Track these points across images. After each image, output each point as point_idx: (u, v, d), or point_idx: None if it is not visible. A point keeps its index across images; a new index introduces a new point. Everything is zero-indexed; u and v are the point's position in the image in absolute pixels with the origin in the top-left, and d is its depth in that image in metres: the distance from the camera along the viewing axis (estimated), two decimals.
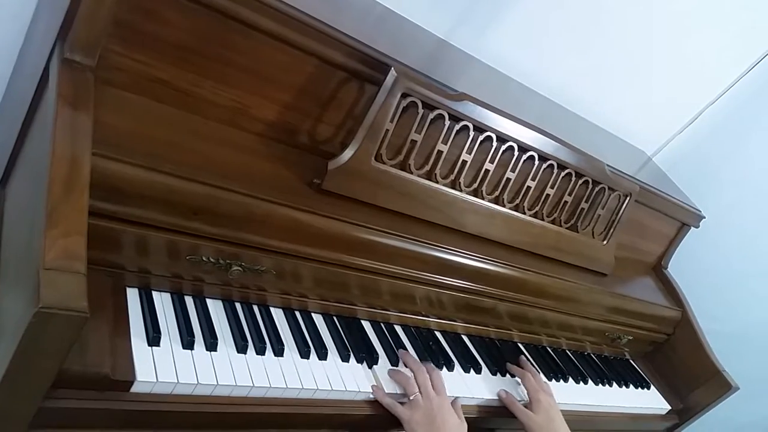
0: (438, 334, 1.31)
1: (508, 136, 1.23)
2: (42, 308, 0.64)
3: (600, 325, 1.58)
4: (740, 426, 2.21)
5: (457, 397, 1.15)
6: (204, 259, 0.95)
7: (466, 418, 1.12)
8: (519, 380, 1.30)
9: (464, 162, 1.22)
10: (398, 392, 1.09)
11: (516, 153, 1.27)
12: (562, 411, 1.35)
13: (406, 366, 1.14)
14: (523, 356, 1.38)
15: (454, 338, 1.33)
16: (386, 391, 1.07)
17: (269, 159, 1.06)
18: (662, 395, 1.69)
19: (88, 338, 0.79)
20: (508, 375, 1.32)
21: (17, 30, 1.19)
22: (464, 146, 1.20)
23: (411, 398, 1.06)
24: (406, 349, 1.19)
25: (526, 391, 1.27)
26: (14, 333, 0.67)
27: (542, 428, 1.19)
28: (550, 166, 1.33)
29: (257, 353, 0.98)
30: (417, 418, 1.03)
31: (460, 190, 1.24)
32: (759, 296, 2.22)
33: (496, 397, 1.25)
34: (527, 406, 1.23)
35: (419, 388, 1.08)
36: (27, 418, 0.75)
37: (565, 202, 1.40)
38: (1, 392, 0.70)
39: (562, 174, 1.35)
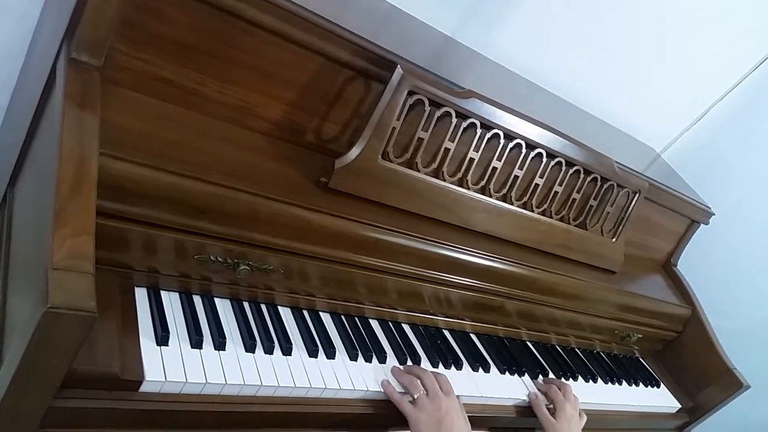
0: (446, 333, 1.30)
1: (516, 133, 1.23)
2: (50, 308, 0.64)
3: (609, 323, 1.57)
4: (751, 424, 2.18)
5: (458, 396, 1.13)
6: (212, 258, 0.95)
7: (473, 417, 1.12)
8: (547, 388, 1.30)
9: (471, 160, 1.21)
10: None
11: (524, 150, 1.26)
12: None
13: (411, 373, 1.11)
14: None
15: (462, 337, 1.32)
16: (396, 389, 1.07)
17: (275, 158, 1.06)
18: (672, 394, 1.67)
19: (97, 338, 0.79)
20: (516, 374, 1.31)
21: (25, 31, 1.20)
22: (471, 144, 1.20)
23: (416, 397, 1.05)
24: (414, 347, 1.19)
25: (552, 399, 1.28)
26: (23, 333, 0.67)
27: None
28: (558, 163, 1.32)
29: (265, 352, 0.98)
30: (423, 417, 1.01)
31: (468, 188, 1.23)
32: None
33: (505, 396, 1.24)
34: (551, 411, 1.25)
35: (426, 390, 1.06)
36: (36, 417, 0.75)
37: (574, 199, 1.39)
38: (11, 392, 0.70)
39: (571, 171, 1.34)
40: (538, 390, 1.30)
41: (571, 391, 1.30)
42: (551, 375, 1.38)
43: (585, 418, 1.29)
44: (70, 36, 0.86)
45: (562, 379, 1.36)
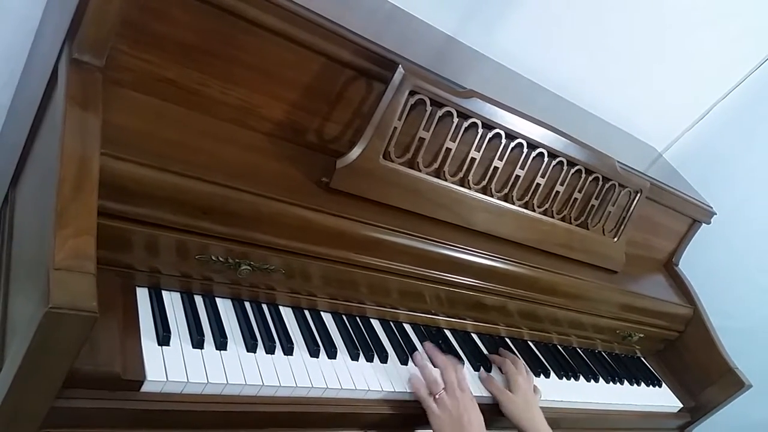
0: (447, 333, 1.30)
1: (517, 133, 1.23)
2: (52, 308, 0.64)
3: (611, 322, 1.57)
4: (753, 423, 2.18)
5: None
6: (213, 258, 0.95)
7: None
8: (501, 361, 1.27)
9: (473, 159, 1.21)
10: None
11: (525, 150, 1.26)
12: (573, 410, 1.35)
13: (432, 361, 1.14)
14: (501, 348, 1.34)
15: (463, 337, 1.32)
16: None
17: (277, 158, 1.06)
18: (674, 393, 1.67)
19: (99, 338, 0.79)
20: None
21: (27, 31, 1.20)
22: (473, 143, 1.20)
23: (437, 396, 1.07)
24: (415, 347, 1.19)
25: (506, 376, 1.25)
26: (25, 333, 0.67)
27: (520, 409, 1.17)
28: (560, 162, 1.32)
29: (267, 352, 0.98)
30: (445, 416, 1.04)
31: (469, 188, 1.23)
32: None
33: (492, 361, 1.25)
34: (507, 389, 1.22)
35: (446, 386, 1.08)
36: (38, 417, 0.75)
37: (575, 199, 1.39)
38: (13, 392, 0.70)
39: (572, 171, 1.34)
40: (494, 361, 1.29)
41: (523, 366, 1.28)
42: (552, 375, 1.38)
43: (540, 392, 1.26)
44: (72, 36, 0.86)
45: (522, 362, 1.32)
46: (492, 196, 1.26)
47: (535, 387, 1.26)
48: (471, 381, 1.21)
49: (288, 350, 1.00)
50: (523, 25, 1.66)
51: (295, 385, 0.96)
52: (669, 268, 1.84)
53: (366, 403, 1.05)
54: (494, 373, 1.27)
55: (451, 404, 1.06)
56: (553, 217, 1.37)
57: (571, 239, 1.42)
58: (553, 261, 1.39)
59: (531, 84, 1.72)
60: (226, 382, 0.89)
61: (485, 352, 1.31)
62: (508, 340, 1.41)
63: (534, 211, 1.34)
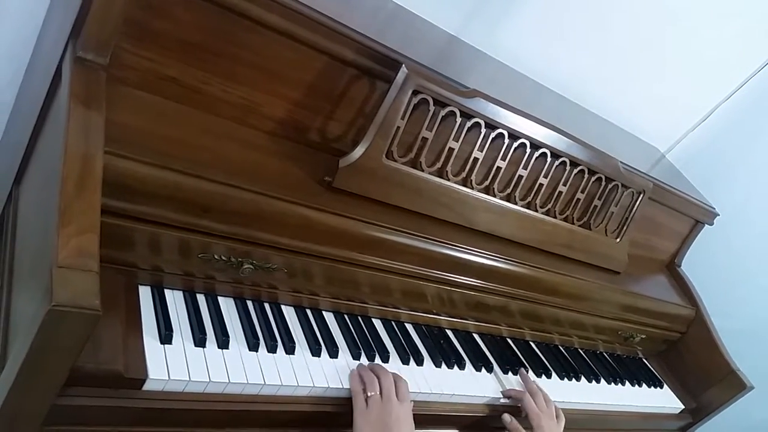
0: (449, 333, 1.30)
1: (520, 133, 1.23)
2: (55, 306, 0.64)
3: (612, 323, 1.57)
4: (755, 424, 2.18)
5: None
6: (215, 257, 0.95)
7: (476, 417, 1.12)
8: (521, 396, 1.21)
9: (476, 159, 1.21)
10: None
11: (528, 150, 1.26)
12: (574, 410, 1.35)
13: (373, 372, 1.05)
14: (522, 369, 1.30)
15: (465, 337, 1.32)
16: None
17: (279, 157, 1.06)
18: (675, 394, 1.67)
19: (101, 336, 0.80)
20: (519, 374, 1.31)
21: (31, 29, 1.20)
22: (476, 143, 1.20)
23: (369, 395, 0.99)
24: (416, 347, 1.19)
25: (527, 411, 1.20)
26: (28, 331, 0.67)
27: None
28: (563, 163, 1.32)
29: (268, 351, 0.98)
30: (369, 417, 0.97)
31: (472, 188, 1.23)
32: None
33: (508, 396, 1.24)
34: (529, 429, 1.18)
35: (381, 392, 1.00)
36: (40, 415, 0.75)
37: (578, 199, 1.39)
38: (15, 390, 0.70)
39: (575, 171, 1.34)
40: (511, 395, 1.23)
41: (543, 400, 1.22)
42: (554, 375, 1.38)
43: (563, 418, 1.22)
44: (76, 35, 0.86)
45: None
46: (494, 196, 1.26)
47: (557, 413, 1.22)
48: (472, 381, 1.21)
49: (290, 349, 1.00)
50: (527, 25, 1.66)
51: (296, 384, 0.96)
52: (671, 268, 1.84)
53: None
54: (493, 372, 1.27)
55: (380, 409, 0.97)
56: (555, 217, 1.37)
57: (574, 240, 1.42)
58: (555, 261, 1.39)
59: (534, 84, 1.72)
60: (227, 380, 0.89)
61: (486, 352, 1.31)
62: (509, 341, 1.41)
63: (536, 211, 1.33)
